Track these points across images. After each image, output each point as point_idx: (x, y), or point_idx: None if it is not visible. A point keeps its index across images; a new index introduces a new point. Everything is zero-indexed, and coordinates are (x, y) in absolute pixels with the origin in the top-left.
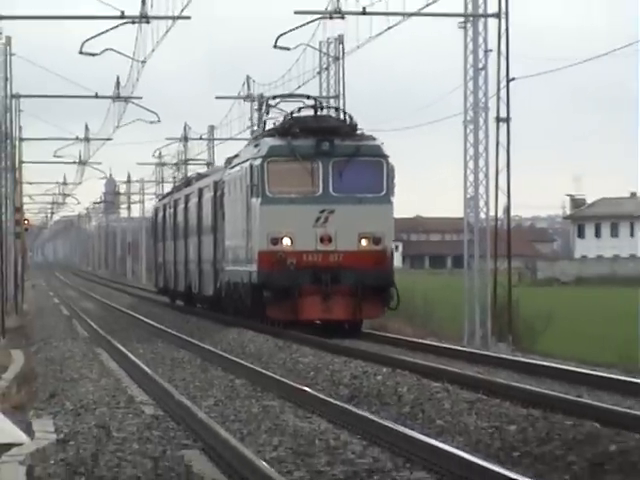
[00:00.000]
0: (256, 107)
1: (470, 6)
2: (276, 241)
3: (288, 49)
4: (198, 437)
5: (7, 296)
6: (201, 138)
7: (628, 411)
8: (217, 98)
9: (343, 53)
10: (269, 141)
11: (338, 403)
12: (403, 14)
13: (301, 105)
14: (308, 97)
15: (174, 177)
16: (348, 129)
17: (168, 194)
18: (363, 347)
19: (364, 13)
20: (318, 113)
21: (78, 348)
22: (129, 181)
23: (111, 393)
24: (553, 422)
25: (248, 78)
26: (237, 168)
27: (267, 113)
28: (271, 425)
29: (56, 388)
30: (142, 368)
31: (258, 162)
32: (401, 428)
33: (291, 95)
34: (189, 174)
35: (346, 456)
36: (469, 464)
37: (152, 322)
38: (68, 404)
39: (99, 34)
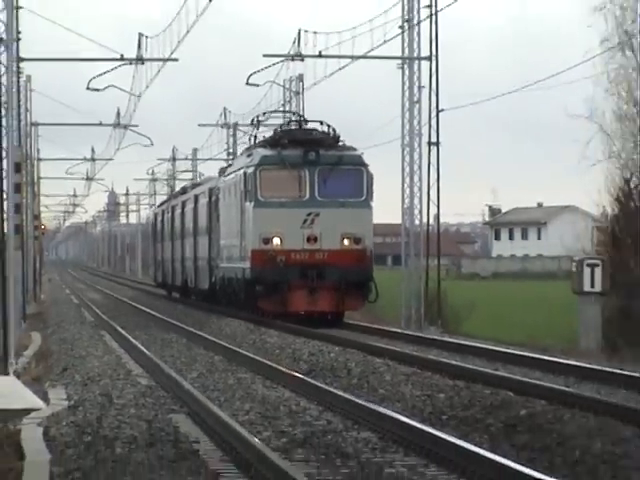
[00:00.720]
0: (231, 133)
1: (407, 51)
2: (267, 240)
3: (257, 85)
4: (184, 403)
5: (27, 288)
6: (186, 158)
7: (536, 382)
8: (199, 125)
9: (303, 89)
10: (261, 151)
11: (298, 375)
12: (352, 57)
13: (285, 120)
14: (293, 114)
15: (168, 190)
16: (332, 140)
17: (166, 201)
18: (320, 331)
19: (320, 56)
20: (304, 127)
21: (86, 331)
22: (127, 194)
23: (113, 367)
24: (474, 391)
25: (225, 109)
26: (232, 176)
27: (257, 128)
28: (243, 394)
29: (67, 363)
30: (138, 347)
31: (251, 170)
32: (350, 396)
33: (276, 111)
34: (177, 187)
35: (305, 419)
36: (406, 425)
37: (148, 310)
38: (77, 376)
39: (103, 73)
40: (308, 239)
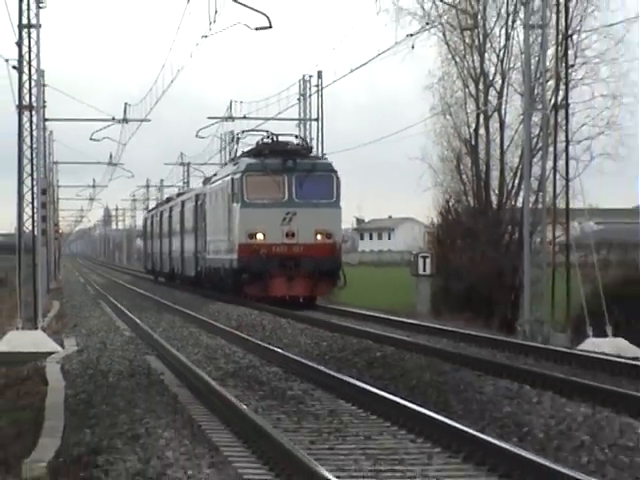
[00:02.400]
0: (186, 170)
1: (302, 114)
2: (252, 236)
3: (203, 137)
4: (154, 348)
5: (50, 271)
6: (155, 186)
7: (387, 334)
8: (165, 164)
9: (238, 140)
10: (246, 160)
11: (229, 328)
12: (266, 118)
13: (262, 136)
14: (267, 131)
15: (144, 205)
16: (305, 151)
17: (154, 208)
18: (248, 303)
19: (244, 118)
20: (281, 140)
21: (89, 300)
22: (117, 209)
23: (107, 325)
24: (346, 340)
25: (181, 154)
26: (219, 182)
27: (237, 143)
28: (193, 342)
29: (76, 321)
30: (124, 311)
31: (238, 176)
32: (264, 343)
33: (254, 130)
34: (150, 205)
35: (234, 358)
36: (301, 363)
37: (132, 287)
38: (83, 330)
39: (101, 129)
40: (287, 234)
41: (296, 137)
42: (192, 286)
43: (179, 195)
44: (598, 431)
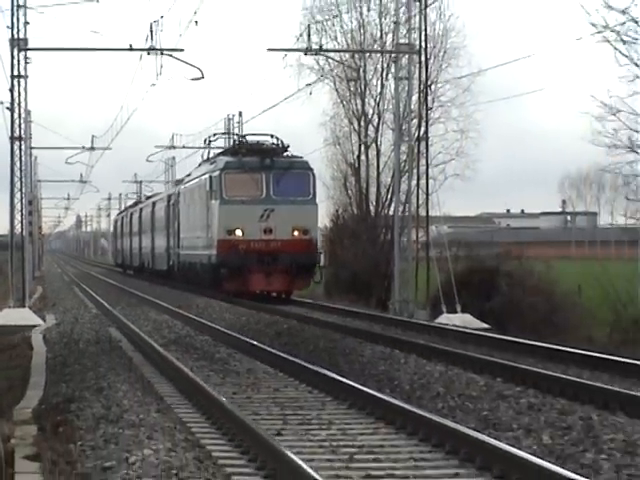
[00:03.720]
0: (138, 187)
1: (227, 144)
2: (231, 232)
3: (152, 161)
4: (114, 322)
5: (34, 264)
6: (115, 198)
7: (292, 311)
8: (123, 182)
9: (210, 142)
10: (225, 158)
11: (172, 307)
12: (199, 147)
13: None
14: (237, 134)
15: (107, 214)
16: (281, 150)
17: (124, 210)
18: (186, 287)
19: (183, 147)
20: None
21: (65, 285)
22: (86, 216)
23: (78, 304)
24: (260, 316)
25: (135, 174)
26: (195, 181)
27: (209, 144)
28: (145, 318)
29: (55, 302)
30: (92, 294)
31: (217, 173)
32: (197, 318)
33: (226, 133)
34: (112, 213)
35: (175, 330)
36: (225, 333)
37: (101, 277)
38: (61, 308)
39: (73, 155)
40: (265, 231)
41: (271, 137)
42: (163, 279)
43: (148, 197)
44: (450, 384)
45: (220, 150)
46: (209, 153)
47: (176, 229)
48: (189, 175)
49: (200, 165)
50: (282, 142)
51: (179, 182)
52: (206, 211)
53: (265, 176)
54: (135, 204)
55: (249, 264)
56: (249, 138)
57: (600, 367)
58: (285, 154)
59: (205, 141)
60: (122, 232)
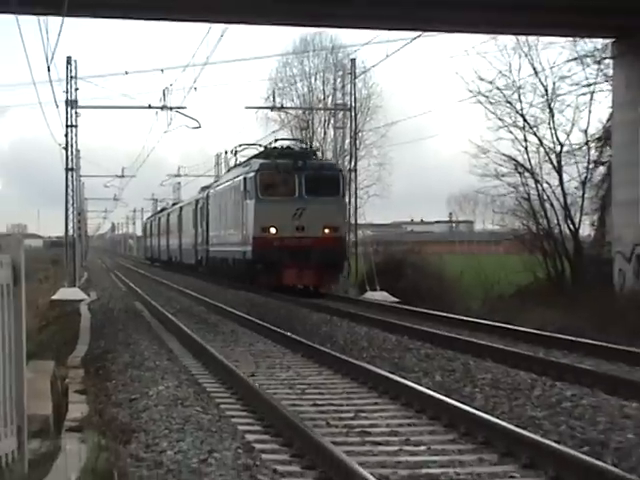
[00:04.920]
0: (155, 203)
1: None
2: (265, 229)
3: (164, 185)
4: (138, 298)
5: (82, 257)
6: (139, 211)
7: (264, 293)
8: (144, 199)
9: (236, 152)
10: (259, 160)
11: (181, 288)
12: (199, 175)
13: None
14: (260, 145)
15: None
16: (311, 153)
17: (151, 216)
18: (194, 274)
19: (186, 175)
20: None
21: (104, 273)
22: (118, 223)
23: (113, 285)
24: (241, 295)
25: (153, 194)
26: (227, 183)
27: (235, 155)
28: (161, 295)
29: (96, 283)
30: (123, 278)
31: (252, 175)
32: (198, 295)
33: (252, 144)
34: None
35: (182, 304)
36: (216, 305)
37: (132, 267)
38: (99, 288)
39: (109, 180)
40: (297, 228)
41: (300, 142)
42: (190, 271)
43: (174, 204)
44: (371, 340)
45: (244, 159)
46: (236, 161)
47: (204, 228)
48: (217, 181)
49: (229, 171)
50: (311, 146)
51: (205, 188)
52: (240, 210)
53: (297, 177)
54: (161, 210)
55: (283, 260)
56: (280, 143)
57: (475, 328)
58: (314, 157)
59: (232, 152)
60: (151, 232)
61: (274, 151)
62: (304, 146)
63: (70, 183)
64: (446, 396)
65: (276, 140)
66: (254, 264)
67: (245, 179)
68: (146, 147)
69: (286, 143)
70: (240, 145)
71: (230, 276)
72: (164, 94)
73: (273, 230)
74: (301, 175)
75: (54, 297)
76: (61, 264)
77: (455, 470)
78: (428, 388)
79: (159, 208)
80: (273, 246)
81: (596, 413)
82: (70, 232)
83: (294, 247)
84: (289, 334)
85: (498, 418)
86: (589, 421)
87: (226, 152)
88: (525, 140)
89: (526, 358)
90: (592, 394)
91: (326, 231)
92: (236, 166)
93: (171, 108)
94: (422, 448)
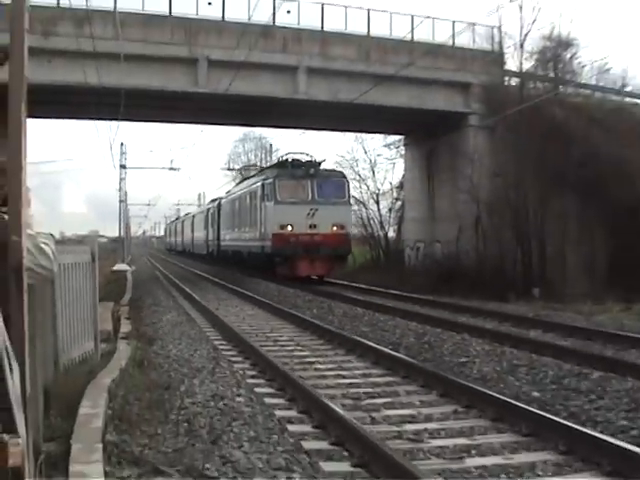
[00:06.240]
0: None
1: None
2: (283, 227)
3: (171, 211)
4: (159, 270)
5: (128, 249)
6: (159, 223)
7: (234, 269)
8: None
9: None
10: (275, 170)
11: (185, 267)
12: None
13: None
14: (257, 166)
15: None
16: (319, 164)
17: (170, 223)
18: (191, 257)
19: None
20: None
21: (142, 258)
22: (147, 230)
23: (145, 263)
24: (220, 269)
25: (164, 217)
26: (243, 191)
27: (241, 174)
28: (173, 269)
29: (135, 262)
30: (153, 262)
31: (271, 180)
32: (192, 269)
33: (253, 165)
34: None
35: (186, 274)
36: (203, 275)
37: (157, 253)
38: (136, 266)
39: (141, 207)
40: (310, 226)
41: (307, 155)
42: (199, 259)
43: (187, 214)
44: (280, 292)
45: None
46: (242, 177)
47: (215, 228)
48: (228, 193)
49: (238, 184)
50: (316, 159)
51: (214, 200)
52: (259, 211)
53: (310, 182)
54: (176, 219)
55: (298, 253)
56: (290, 156)
57: (336, 285)
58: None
59: (239, 170)
60: (170, 233)
61: (287, 162)
62: (312, 159)
63: (121, 209)
64: (319, 321)
65: (287, 153)
66: (272, 256)
67: (264, 185)
68: (162, 192)
69: (297, 156)
70: (245, 166)
71: (245, 265)
72: (171, 162)
73: (290, 227)
74: (313, 181)
75: (113, 268)
76: (118, 251)
77: (319, 358)
78: (310, 317)
79: (173, 219)
80: (290, 241)
81: (396, 328)
82: (121, 234)
83: (308, 242)
84: (248, 293)
85: (343, 330)
86: (393, 332)
87: (204, 195)
88: (360, 187)
89: (361, 301)
90: (394, 319)
91: (334, 229)
92: (246, 179)
93: (174, 169)
94: (306, 348)
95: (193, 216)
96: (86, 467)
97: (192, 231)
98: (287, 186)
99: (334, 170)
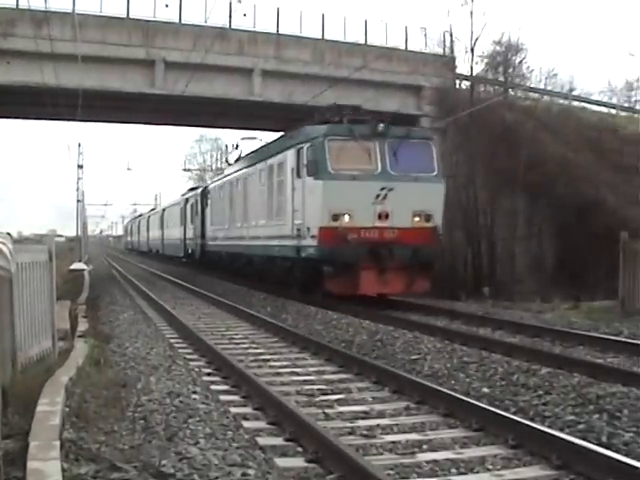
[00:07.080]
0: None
1: None
2: (337, 217)
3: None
4: (115, 269)
5: (86, 250)
6: (116, 222)
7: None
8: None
9: (237, 146)
10: (323, 127)
11: (144, 266)
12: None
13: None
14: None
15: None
16: (389, 118)
17: (130, 220)
18: (153, 257)
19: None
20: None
21: (100, 258)
22: (104, 229)
23: (102, 263)
24: (188, 270)
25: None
26: (250, 169)
27: (236, 148)
28: (129, 268)
29: (93, 262)
30: (109, 261)
31: (319, 140)
32: (149, 268)
33: (252, 137)
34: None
35: (142, 273)
36: (161, 276)
37: (114, 252)
38: (94, 265)
39: (99, 207)
40: (380, 216)
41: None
42: (180, 262)
43: (152, 210)
44: (238, 293)
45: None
46: (240, 154)
47: (198, 224)
48: (219, 177)
49: (231, 165)
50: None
51: (193, 189)
52: (289, 194)
53: (380, 145)
54: (139, 216)
55: (360, 259)
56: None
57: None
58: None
59: (234, 146)
60: (132, 232)
61: (340, 110)
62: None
63: (79, 208)
64: (272, 318)
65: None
66: (318, 263)
67: (299, 150)
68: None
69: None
70: (242, 138)
71: (260, 277)
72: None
73: (347, 218)
74: (383, 143)
75: (70, 267)
76: (75, 251)
77: (274, 356)
78: (265, 315)
79: (134, 216)
80: (347, 239)
81: (349, 326)
82: (79, 234)
83: (375, 241)
84: (207, 293)
85: (297, 328)
86: (346, 332)
87: (160, 196)
88: None
89: (314, 300)
90: (347, 317)
91: (417, 219)
92: (238, 160)
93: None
94: (261, 345)
95: (163, 210)
96: (44, 464)
97: (161, 228)
98: (343, 150)
99: (414, 128)
